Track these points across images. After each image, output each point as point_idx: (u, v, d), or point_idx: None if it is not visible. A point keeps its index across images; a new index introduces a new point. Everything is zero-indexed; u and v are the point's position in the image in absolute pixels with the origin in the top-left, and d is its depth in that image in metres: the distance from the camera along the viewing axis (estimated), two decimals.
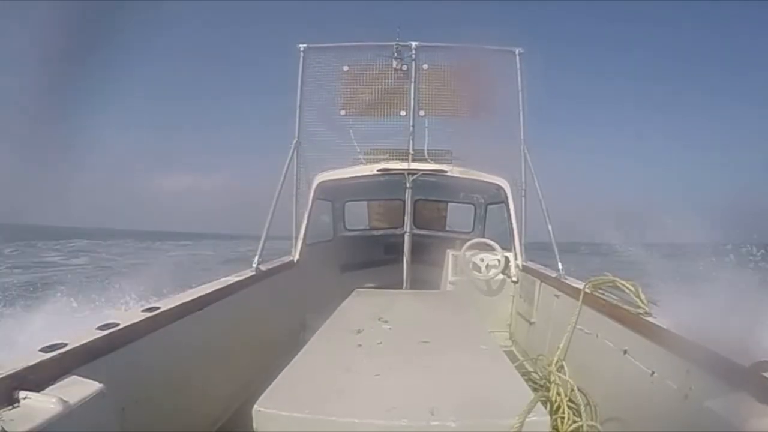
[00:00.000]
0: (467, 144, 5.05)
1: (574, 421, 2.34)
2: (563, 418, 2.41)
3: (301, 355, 2.26)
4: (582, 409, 2.39)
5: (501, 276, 4.78)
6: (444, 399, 1.74)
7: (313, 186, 4.98)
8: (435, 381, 1.97)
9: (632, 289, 2.85)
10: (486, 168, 5.03)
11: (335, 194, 5.93)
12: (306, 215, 4.88)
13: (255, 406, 1.70)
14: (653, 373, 2.39)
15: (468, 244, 4.86)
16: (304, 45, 5.11)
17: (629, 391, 2.52)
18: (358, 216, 7.14)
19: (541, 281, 4.12)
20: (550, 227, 4.35)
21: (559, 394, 2.65)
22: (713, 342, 2.03)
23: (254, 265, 3.90)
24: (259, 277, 3.83)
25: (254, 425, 1.70)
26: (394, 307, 3.15)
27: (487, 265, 4.86)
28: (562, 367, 3.02)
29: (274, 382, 1.90)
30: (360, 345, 2.39)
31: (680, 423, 2.07)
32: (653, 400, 2.32)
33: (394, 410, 1.71)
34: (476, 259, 4.89)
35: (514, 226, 4.82)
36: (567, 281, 3.72)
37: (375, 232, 7.00)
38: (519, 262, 4.73)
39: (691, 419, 1.99)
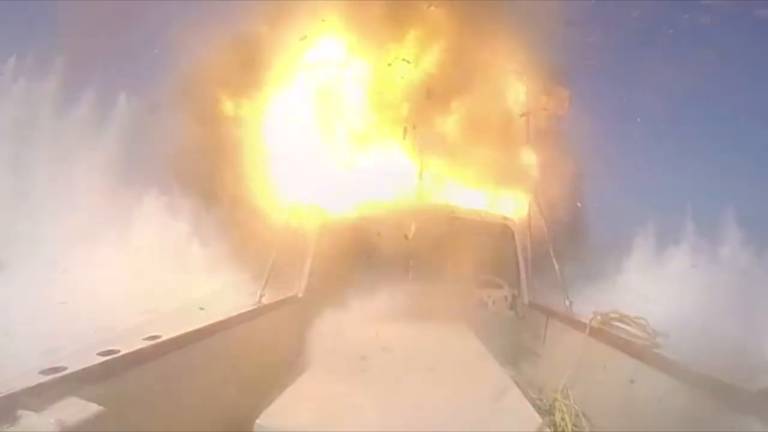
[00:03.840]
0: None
1: None
2: None
3: (305, 377, 2.24)
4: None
5: (509, 312, 4.73)
6: (449, 422, 1.73)
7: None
8: (439, 405, 1.95)
9: (640, 322, 2.84)
10: None
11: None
12: (311, 251, 4.88)
13: (256, 421, 1.70)
14: (660, 400, 2.35)
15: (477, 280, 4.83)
16: None
17: (636, 421, 2.46)
18: None
19: (548, 317, 4.10)
20: (557, 266, 4.41)
21: (563, 419, 2.61)
22: (719, 366, 2.02)
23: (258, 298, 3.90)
24: (262, 311, 3.82)
25: None
26: (400, 333, 3.13)
27: (494, 301, 4.81)
28: (567, 395, 2.97)
29: (275, 401, 1.89)
30: (364, 371, 2.38)
31: None
32: (661, 428, 2.26)
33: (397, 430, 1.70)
34: (483, 296, 4.85)
35: (521, 263, 4.80)
36: (574, 316, 3.69)
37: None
38: (525, 299, 4.68)
39: None
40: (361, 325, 3.83)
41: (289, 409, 1.88)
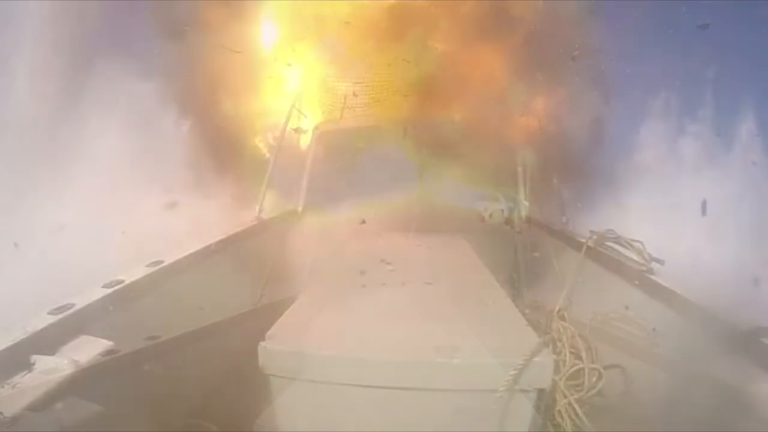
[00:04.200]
0: None
1: (575, 364, 2.42)
2: (564, 361, 2.49)
3: (305, 295, 2.28)
4: (583, 354, 2.47)
5: (505, 226, 4.77)
6: (450, 338, 1.76)
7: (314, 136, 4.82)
8: (440, 322, 1.99)
9: (636, 245, 2.87)
10: None
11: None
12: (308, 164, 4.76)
13: (260, 343, 1.72)
14: (654, 329, 2.45)
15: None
16: None
17: (629, 346, 2.58)
18: None
19: (546, 233, 4.13)
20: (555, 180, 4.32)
21: (560, 340, 2.74)
22: (715, 296, 2.05)
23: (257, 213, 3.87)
24: (263, 226, 3.82)
25: (260, 361, 1.73)
26: (398, 248, 3.16)
27: (491, 215, 4.84)
28: (563, 316, 3.10)
29: (279, 320, 1.91)
30: (364, 285, 2.41)
31: (678, 380, 2.13)
32: (653, 357, 2.38)
33: (400, 347, 1.74)
34: (480, 209, 4.86)
35: (520, 174, 4.72)
36: (570, 234, 3.72)
37: None
38: (523, 213, 4.69)
39: (690, 378, 2.05)
40: (360, 238, 3.88)
41: (292, 328, 1.91)
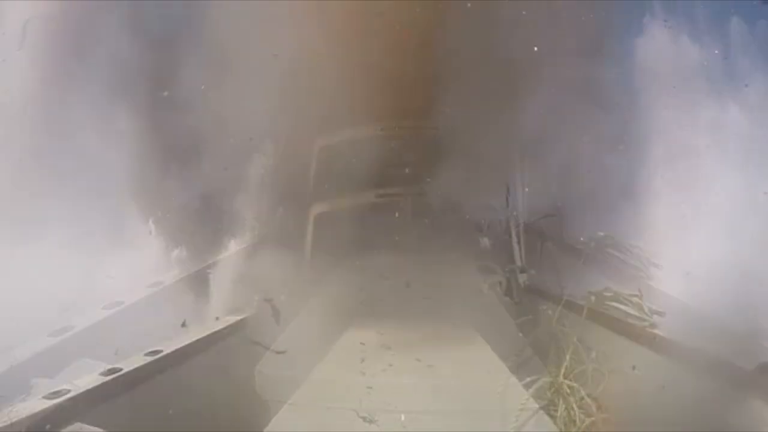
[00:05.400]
0: None
1: (588, 416, 2.32)
2: (575, 421, 2.39)
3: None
4: (594, 410, 2.37)
5: (504, 298, 4.77)
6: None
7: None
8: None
9: (635, 300, 2.89)
10: None
11: None
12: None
13: None
14: (663, 387, 2.39)
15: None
16: None
17: (639, 405, 2.49)
18: None
19: (544, 300, 4.12)
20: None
21: (568, 401, 2.63)
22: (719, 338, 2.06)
23: None
24: None
25: None
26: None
27: (489, 287, 4.85)
28: (569, 379, 3.00)
29: None
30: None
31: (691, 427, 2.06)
32: (665, 411, 2.30)
33: None
34: (478, 281, 4.88)
35: (515, 243, 4.83)
36: (569, 298, 3.72)
37: None
38: (521, 282, 4.72)
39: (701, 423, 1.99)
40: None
41: None
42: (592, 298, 3.31)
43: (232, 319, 3.28)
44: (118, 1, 3.80)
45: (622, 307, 3.04)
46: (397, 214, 5.02)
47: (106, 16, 3.71)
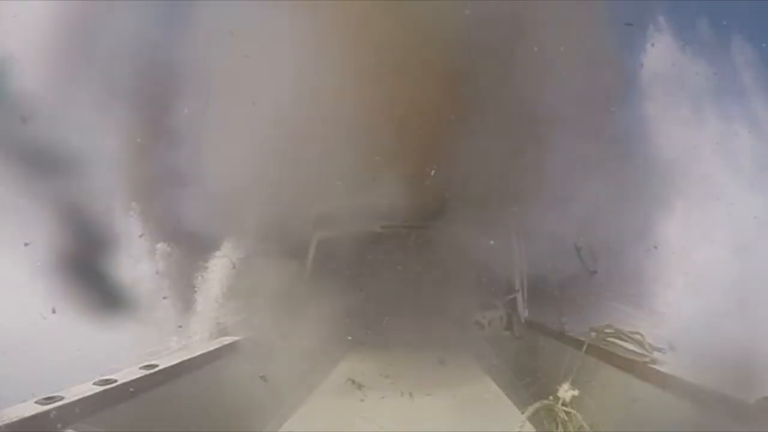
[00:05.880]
0: None
1: None
2: None
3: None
4: None
5: (505, 332, 4.75)
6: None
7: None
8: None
9: (636, 337, 2.87)
10: None
11: None
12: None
13: None
14: (664, 421, 2.35)
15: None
16: None
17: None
18: None
19: (545, 335, 4.09)
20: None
21: (566, 427, 2.59)
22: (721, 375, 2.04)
23: None
24: None
25: None
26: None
27: (490, 322, 4.83)
28: (569, 409, 2.95)
29: None
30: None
31: None
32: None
33: None
34: (479, 317, 4.87)
35: (516, 279, 4.83)
36: (570, 333, 3.70)
37: None
38: (522, 318, 4.70)
39: None
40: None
41: None
42: (593, 334, 3.29)
43: (227, 339, 3.28)
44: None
45: (623, 343, 3.01)
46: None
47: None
